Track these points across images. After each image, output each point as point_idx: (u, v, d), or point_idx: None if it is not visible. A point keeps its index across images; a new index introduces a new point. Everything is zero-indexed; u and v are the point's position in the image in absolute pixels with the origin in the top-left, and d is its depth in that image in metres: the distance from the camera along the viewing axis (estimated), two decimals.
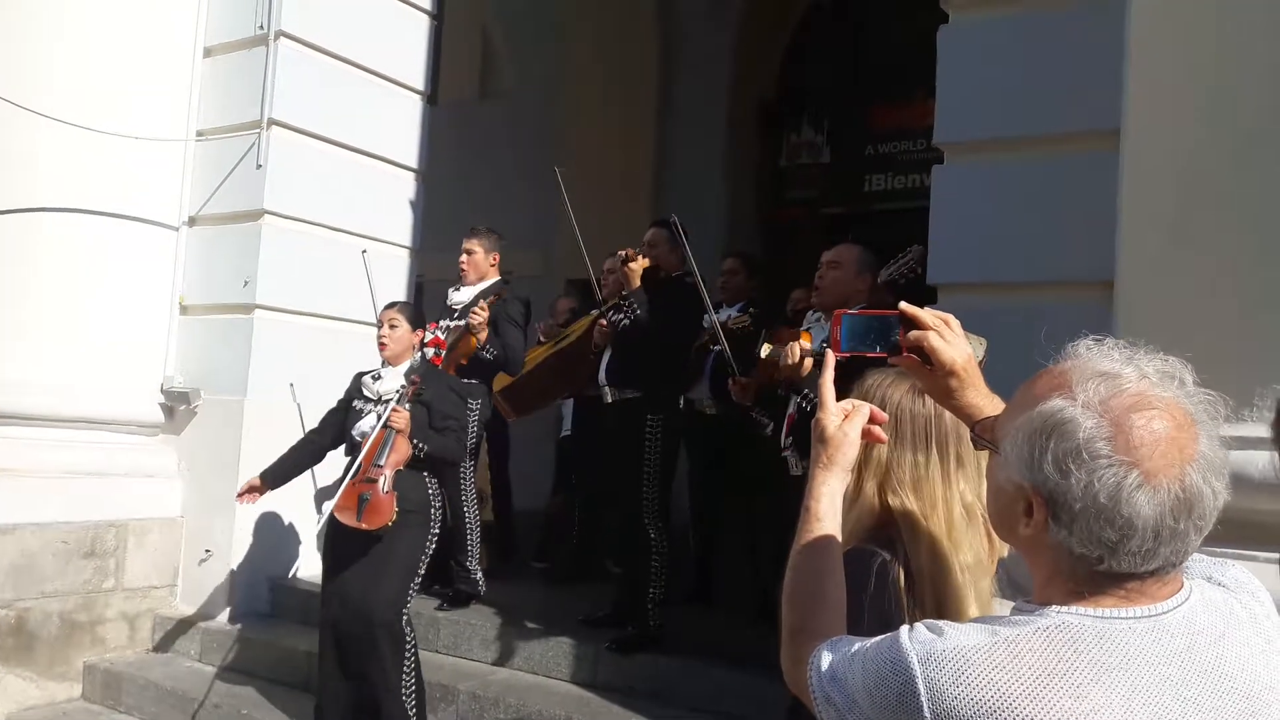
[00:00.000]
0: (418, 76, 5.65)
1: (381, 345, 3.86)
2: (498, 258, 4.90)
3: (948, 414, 1.34)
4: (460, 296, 4.84)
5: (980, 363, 1.27)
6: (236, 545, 4.85)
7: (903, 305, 1.25)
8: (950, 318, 1.25)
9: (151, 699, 4.38)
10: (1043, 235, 3.26)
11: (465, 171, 8.06)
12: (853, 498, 1.42)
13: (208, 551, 4.89)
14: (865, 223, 7.70)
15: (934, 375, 1.25)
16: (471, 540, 4.74)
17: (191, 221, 5.19)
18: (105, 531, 4.72)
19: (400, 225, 5.58)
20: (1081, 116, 3.20)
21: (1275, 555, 1.14)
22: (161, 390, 5.07)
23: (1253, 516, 1.28)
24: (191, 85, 5.18)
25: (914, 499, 1.40)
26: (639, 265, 4.15)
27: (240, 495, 3.83)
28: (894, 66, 7.38)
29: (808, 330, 3.44)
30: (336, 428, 3.91)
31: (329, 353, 4.95)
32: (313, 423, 4.14)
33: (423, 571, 3.72)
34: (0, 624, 4.34)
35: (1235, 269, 2.44)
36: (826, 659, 1.05)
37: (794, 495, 1.29)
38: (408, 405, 3.66)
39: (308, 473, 4.34)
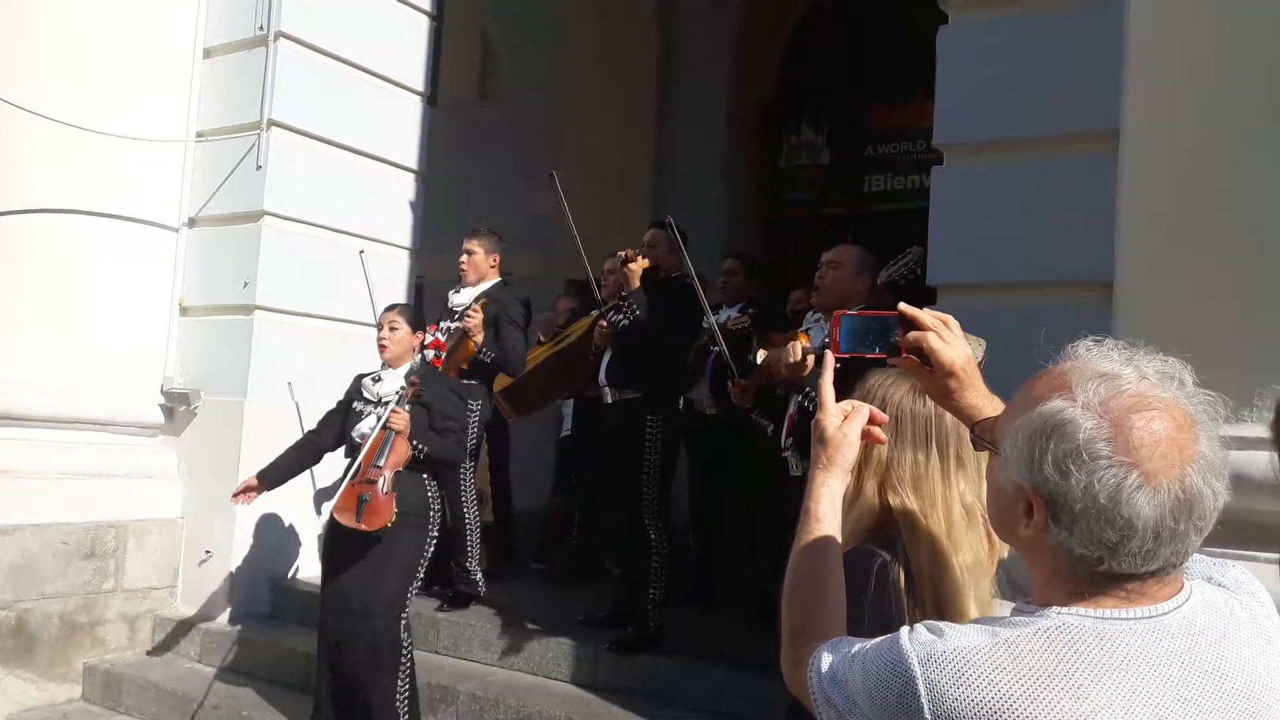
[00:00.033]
0: (417, 77, 5.65)
1: (382, 347, 3.86)
2: (498, 259, 4.90)
3: (949, 414, 1.34)
4: (460, 299, 4.84)
5: (979, 364, 1.27)
6: (236, 546, 4.85)
7: (902, 306, 1.25)
8: (949, 319, 1.25)
9: (151, 700, 4.38)
10: (1042, 236, 3.26)
11: (465, 172, 8.07)
12: (852, 498, 1.42)
13: (208, 552, 4.89)
14: (865, 223, 7.71)
15: (933, 376, 1.25)
16: (471, 541, 4.74)
17: (191, 222, 5.19)
18: (105, 532, 4.72)
19: (400, 226, 5.58)
20: (1081, 117, 3.20)
21: (1275, 556, 1.14)
22: (161, 391, 5.07)
23: (1253, 517, 1.28)
24: (191, 86, 5.18)
25: (914, 497, 1.41)
26: (638, 266, 4.15)
27: (236, 495, 3.81)
28: (894, 67, 7.39)
29: (806, 331, 3.44)
30: (336, 429, 3.90)
31: (329, 354, 4.95)
32: (312, 424, 4.14)
33: (421, 574, 3.72)
34: (0, 625, 4.34)
35: (1234, 269, 2.44)
36: (827, 660, 1.05)
37: (794, 496, 1.29)
38: (407, 407, 3.66)
39: (307, 474, 4.34)
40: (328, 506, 3.63)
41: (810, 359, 3.06)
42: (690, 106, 8.46)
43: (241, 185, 5.00)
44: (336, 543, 3.67)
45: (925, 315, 1.24)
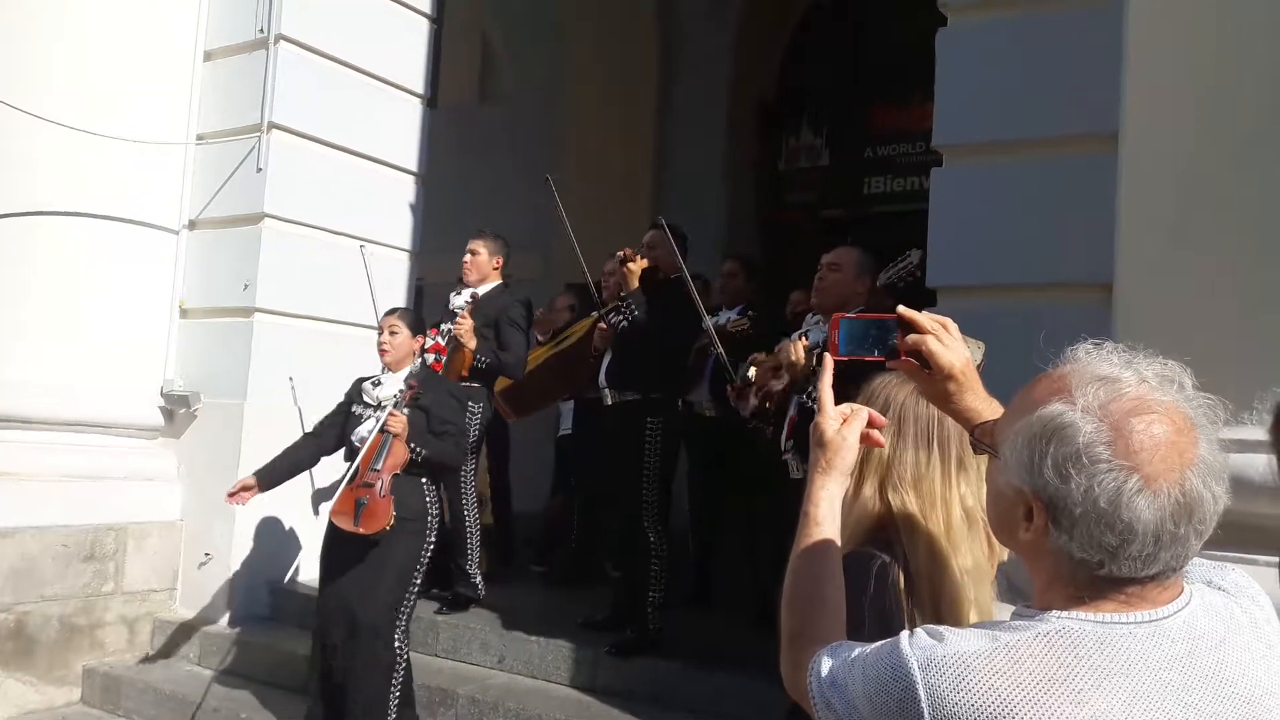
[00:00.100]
0: (417, 80, 5.65)
1: (382, 351, 3.86)
2: (501, 261, 4.91)
3: None
4: (462, 300, 4.84)
5: (978, 366, 1.27)
6: (236, 549, 4.84)
7: (900, 309, 1.25)
8: (948, 321, 1.25)
9: (150, 703, 4.37)
10: (1041, 238, 3.26)
11: (465, 174, 8.07)
12: (852, 500, 1.42)
13: (207, 555, 4.88)
14: (864, 225, 7.71)
15: (932, 379, 1.24)
16: (471, 543, 4.73)
17: (192, 225, 5.19)
18: (105, 535, 4.72)
19: (400, 228, 5.58)
20: (1080, 119, 3.20)
21: (1275, 559, 1.14)
22: (161, 393, 5.07)
23: (1253, 520, 1.27)
24: (192, 89, 5.18)
25: (914, 497, 1.41)
26: (637, 266, 4.15)
27: (231, 495, 3.77)
28: (893, 68, 7.39)
29: (805, 333, 3.44)
30: (336, 430, 3.90)
31: (329, 356, 4.96)
32: (313, 425, 4.14)
33: (418, 578, 3.71)
34: (0, 628, 4.34)
35: (1234, 271, 2.44)
36: (826, 664, 1.05)
37: (794, 498, 1.29)
38: (405, 410, 3.66)
39: (306, 475, 4.34)
40: (325, 508, 3.63)
41: (801, 354, 3.07)
42: (690, 107, 8.47)
43: (242, 187, 5.00)
44: (335, 546, 3.67)
45: (924, 318, 1.24)
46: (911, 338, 1.23)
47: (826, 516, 1.22)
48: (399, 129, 5.55)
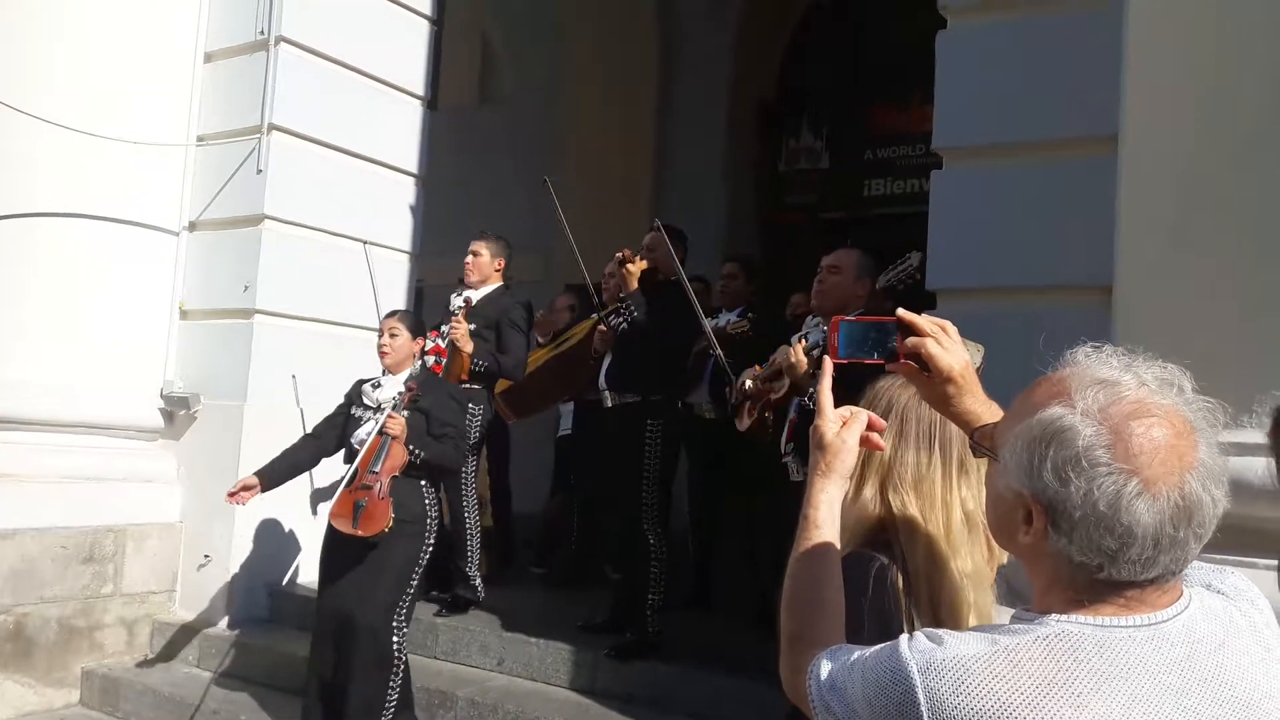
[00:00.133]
0: (417, 81, 5.65)
1: (382, 354, 3.86)
2: (503, 263, 4.91)
3: None
4: (462, 302, 4.84)
5: (978, 369, 1.27)
6: (235, 551, 4.84)
7: (900, 312, 1.25)
8: (948, 324, 1.25)
9: (149, 705, 4.37)
10: (1041, 240, 3.26)
11: (465, 176, 8.08)
12: (852, 501, 1.42)
13: (207, 557, 4.88)
14: (864, 227, 7.71)
15: (931, 382, 1.24)
16: (471, 546, 4.73)
17: (192, 226, 5.19)
18: (104, 537, 4.72)
19: (400, 230, 5.58)
20: (1080, 121, 3.20)
21: (1274, 562, 1.14)
22: (161, 395, 5.06)
23: (1252, 523, 1.27)
24: (192, 90, 5.18)
25: (914, 498, 1.41)
26: (636, 268, 4.16)
27: (232, 495, 3.75)
28: (894, 70, 7.39)
29: (804, 336, 3.44)
30: (336, 432, 3.91)
31: (329, 358, 4.96)
32: (313, 426, 4.15)
33: (416, 580, 3.71)
34: None
35: (1234, 274, 2.44)
36: (826, 668, 1.05)
37: (794, 500, 1.29)
38: (404, 413, 3.66)
39: (305, 476, 4.34)
40: (323, 507, 3.64)
41: (801, 355, 3.07)
42: (690, 109, 8.48)
43: (242, 189, 5.00)
44: (334, 548, 3.67)
45: (923, 321, 1.24)
46: (911, 340, 1.23)
47: (826, 519, 1.22)
48: (399, 130, 5.56)
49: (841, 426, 1.25)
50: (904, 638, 0.98)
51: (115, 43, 4.90)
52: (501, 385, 4.98)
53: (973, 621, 1.34)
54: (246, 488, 3.75)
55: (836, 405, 1.28)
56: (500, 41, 9.33)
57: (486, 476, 5.47)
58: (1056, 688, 0.88)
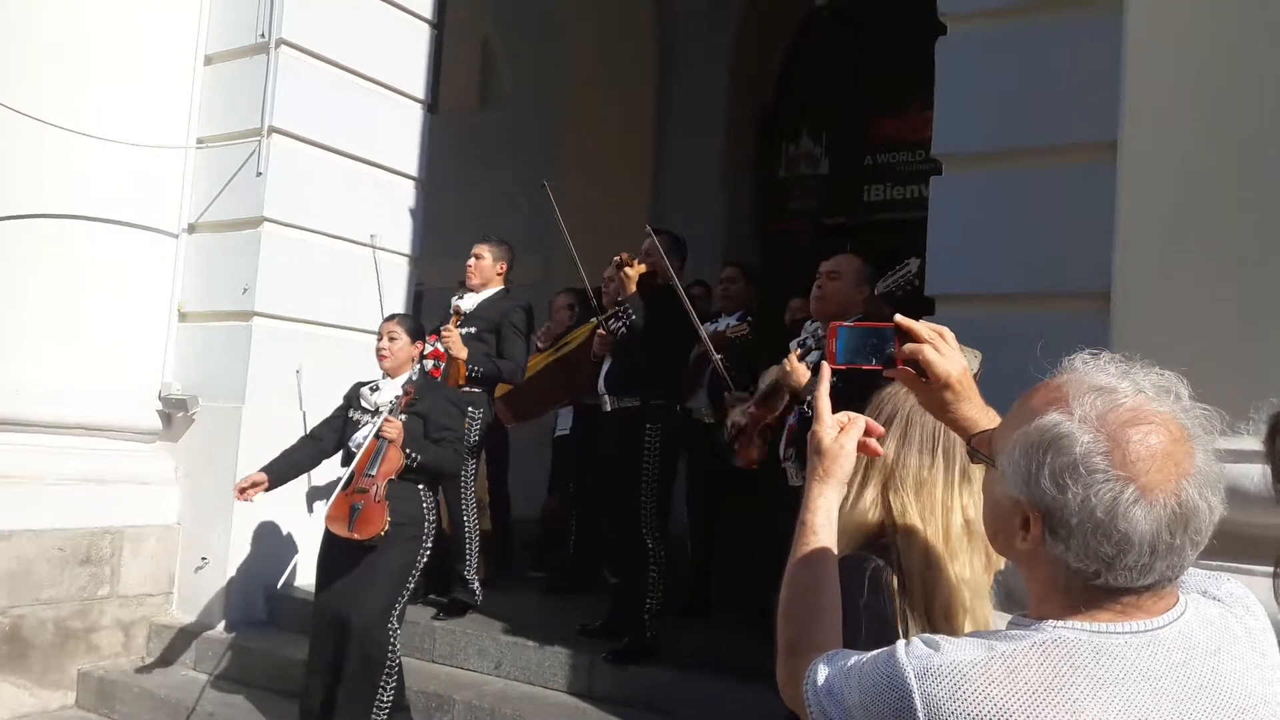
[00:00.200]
0: (418, 84, 5.66)
1: (381, 357, 3.86)
2: (505, 266, 4.92)
3: None
4: (464, 304, 4.85)
5: (975, 376, 1.27)
6: (233, 553, 4.84)
7: (898, 318, 1.25)
8: (945, 330, 1.25)
9: (146, 708, 4.36)
10: (1040, 246, 3.27)
11: (465, 179, 8.08)
12: (853, 504, 1.42)
13: (204, 559, 4.87)
14: (864, 233, 7.72)
15: (929, 388, 1.25)
16: (470, 549, 4.73)
17: (191, 228, 5.19)
18: (101, 538, 4.71)
19: (400, 233, 5.58)
20: (1079, 127, 3.20)
21: (1270, 569, 1.14)
22: (159, 397, 5.06)
23: (1248, 530, 1.28)
24: (192, 92, 5.19)
25: (914, 501, 1.41)
26: (634, 272, 4.16)
27: (244, 490, 3.72)
28: (893, 76, 7.41)
29: (802, 341, 3.44)
30: (335, 434, 3.91)
31: (328, 360, 4.96)
32: (312, 426, 4.15)
33: (412, 585, 3.70)
34: None
35: (1232, 281, 2.45)
36: (823, 673, 1.05)
37: (792, 505, 1.29)
38: (402, 416, 3.66)
39: (303, 477, 4.33)
40: (319, 506, 3.64)
41: (799, 366, 3.07)
42: (690, 113, 8.49)
43: (241, 191, 5.00)
44: (331, 551, 3.67)
45: (921, 327, 1.25)
46: (909, 347, 1.24)
47: (823, 525, 1.22)
48: (399, 133, 5.56)
49: (839, 432, 1.25)
50: (901, 643, 0.98)
51: (116, 45, 4.90)
52: (501, 389, 4.98)
53: (968, 626, 1.34)
54: (255, 484, 3.74)
55: (841, 412, 1.28)
56: (500, 45, 9.34)
57: (485, 480, 5.47)
58: (1053, 693, 0.88)
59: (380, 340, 3.89)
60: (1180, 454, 0.92)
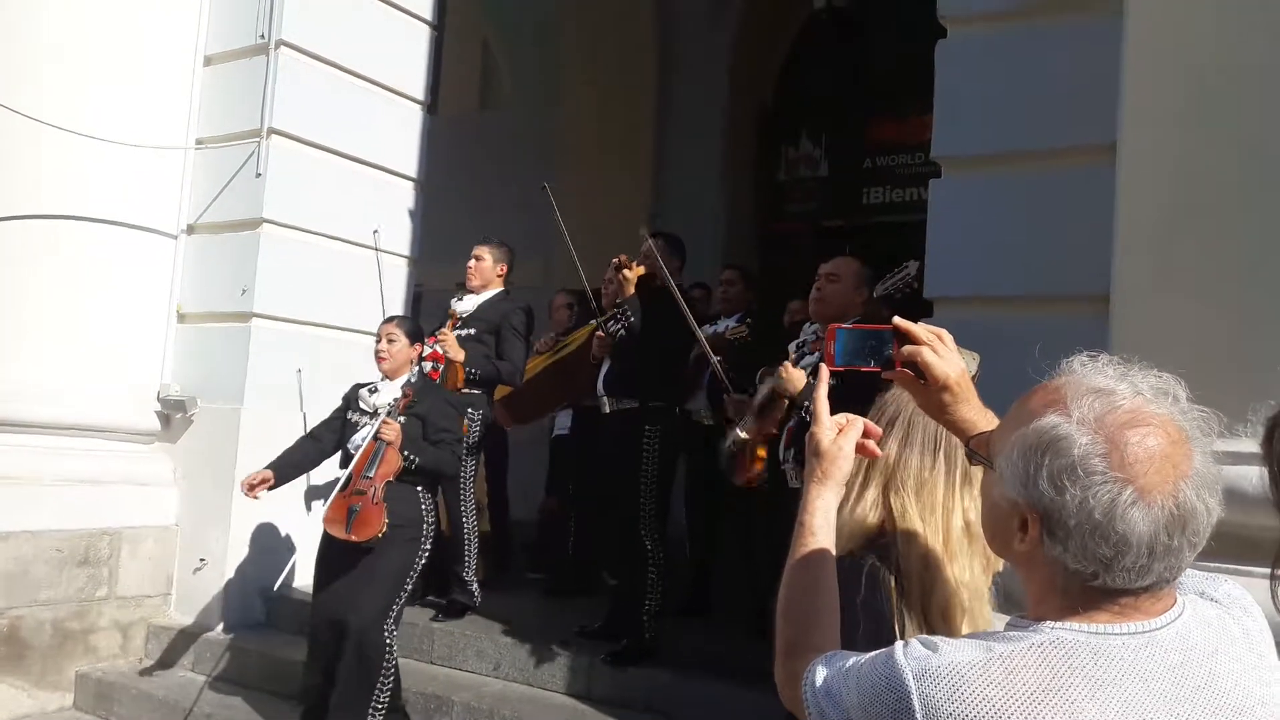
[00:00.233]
0: (417, 86, 5.66)
1: (380, 359, 3.86)
2: (505, 269, 4.93)
3: None
4: (464, 306, 4.86)
5: (973, 378, 1.28)
6: (231, 555, 4.83)
7: (896, 320, 1.26)
8: (943, 333, 1.26)
9: (144, 709, 4.36)
10: (1039, 249, 3.27)
11: (464, 180, 8.08)
12: (854, 504, 1.43)
13: (202, 560, 4.87)
14: (864, 235, 7.73)
15: (927, 390, 1.25)
16: (469, 551, 4.73)
17: (190, 229, 5.18)
18: (99, 539, 4.71)
19: (399, 234, 5.58)
20: (1078, 130, 3.21)
21: (1268, 571, 1.14)
22: (158, 398, 5.05)
23: (1246, 532, 1.28)
24: (191, 93, 5.19)
25: (914, 501, 1.41)
26: (633, 274, 4.17)
27: (253, 487, 3.72)
28: (893, 79, 7.41)
29: (800, 343, 3.44)
30: (334, 435, 3.91)
31: (326, 361, 4.96)
32: (311, 427, 4.15)
33: (410, 586, 3.70)
34: None
35: (1230, 283, 2.45)
36: (821, 674, 1.05)
37: (792, 507, 1.29)
38: (400, 418, 3.66)
39: (302, 478, 4.33)
40: (318, 505, 3.64)
41: (795, 374, 3.08)
42: (689, 116, 8.49)
43: (240, 192, 5.00)
44: (329, 553, 3.68)
45: (919, 329, 1.25)
46: (907, 349, 1.24)
47: (821, 526, 1.22)
48: (399, 135, 5.56)
49: (838, 434, 1.25)
50: (899, 645, 0.99)
51: (115, 45, 4.90)
52: (501, 391, 4.99)
53: (966, 627, 1.34)
54: (261, 481, 3.74)
55: (839, 414, 1.28)
56: (500, 46, 9.35)
57: (484, 482, 5.47)
58: (1051, 694, 0.89)
59: (379, 342, 3.89)
60: (1178, 456, 0.93)
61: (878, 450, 1.30)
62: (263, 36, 4.99)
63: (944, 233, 3.50)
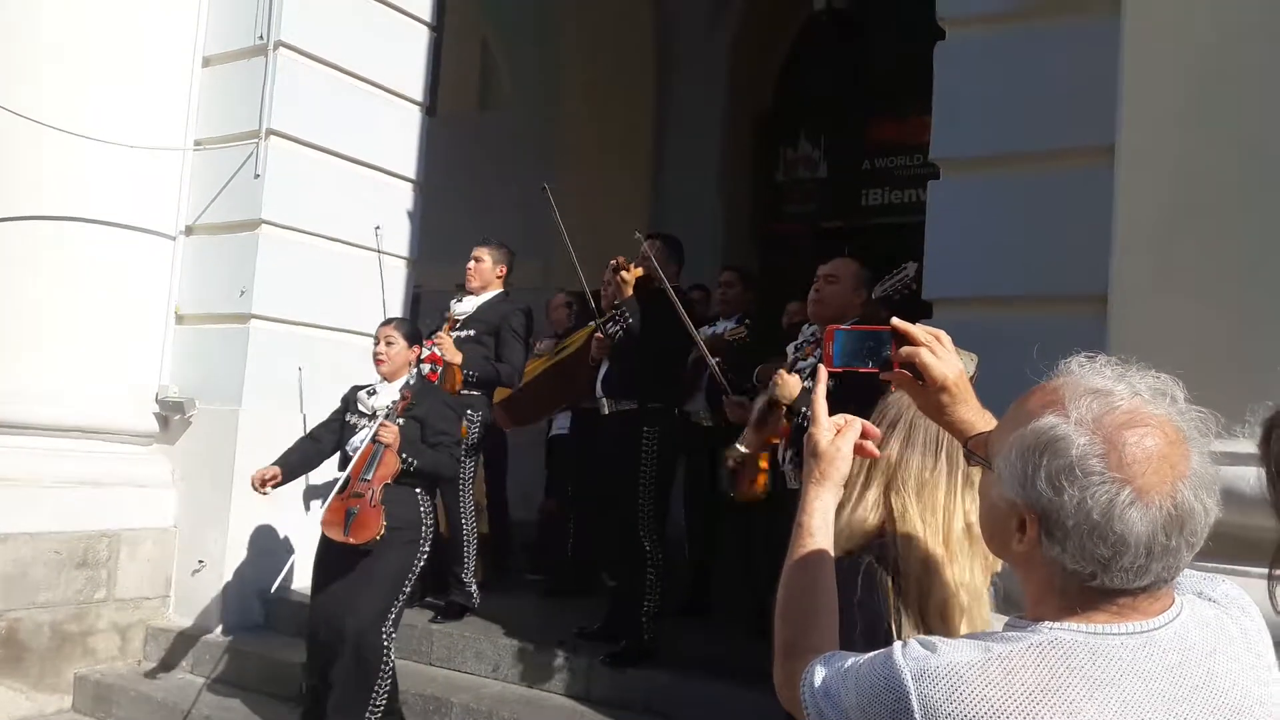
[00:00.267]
0: (416, 87, 5.66)
1: (378, 361, 3.86)
2: (505, 270, 4.93)
3: None
4: (464, 307, 4.85)
5: (971, 378, 1.28)
6: (230, 556, 4.83)
7: (894, 321, 1.26)
8: (941, 333, 1.26)
9: (143, 711, 4.35)
10: (1037, 250, 3.27)
11: (463, 182, 8.08)
12: (855, 504, 1.43)
13: (201, 562, 4.86)
14: (862, 236, 7.74)
15: (926, 391, 1.25)
16: (468, 552, 4.73)
17: (188, 231, 5.18)
18: (98, 541, 4.70)
19: (398, 235, 5.58)
20: (1076, 132, 3.21)
21: (1265, 571, 1.14)
22: (156, 400, 5.05)
23: (1244, 532, 1.28)
24: (190, 95, 5.18)
25: (915, 502, 1.41)
26: (631, 275, 4.17)
27: (265, 483, 3.72)
28: (892, 80, 7.42)
29: (798, 345, 3.44)
30: (333, 436, 3.91)
31: (325, 363, 4.95)
32: (310, 427, 4.15)
33: (408, 588, 3.70)
34: None
35: (1227, 284, 2.45)
36: (820, 674, 1.05)
37: (791, 508, 1.29)
38: (399, 420, 3.66)
39: (301, 479, 4.33)
40: (316, 504, 3.63)
41: (790, 382, 3.08)
42: (688, 117, 8.50)
43: (239, 194, 5.00)
44: (327, 555, 3.67)
45: (918, 330, 1.25)
46: (905, 350, 1.24)
47: (820, 527, 1.22)
48: (397, 136, 5.56)
49: (836, 435, 1.26)
50: (898, 645, 0.99)
51: (114, 46, 4.90)
52: (500, 394, 4.99)
53: (965, 628, 1.34)
54: (271, 477, 3.73)
55: (837, 414, 1.28)
56: (499, 47, 9.34)
57: (483, 484, 5.47)
58: (1049, 695, 0.89)
59: (377, 345, 3.89)
60: (1176, 456, 0.93)
61: (876, 451, 1.30)
62: (261, 37, 4.99)
63: (942, 234, 3.50)
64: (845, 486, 1.30)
